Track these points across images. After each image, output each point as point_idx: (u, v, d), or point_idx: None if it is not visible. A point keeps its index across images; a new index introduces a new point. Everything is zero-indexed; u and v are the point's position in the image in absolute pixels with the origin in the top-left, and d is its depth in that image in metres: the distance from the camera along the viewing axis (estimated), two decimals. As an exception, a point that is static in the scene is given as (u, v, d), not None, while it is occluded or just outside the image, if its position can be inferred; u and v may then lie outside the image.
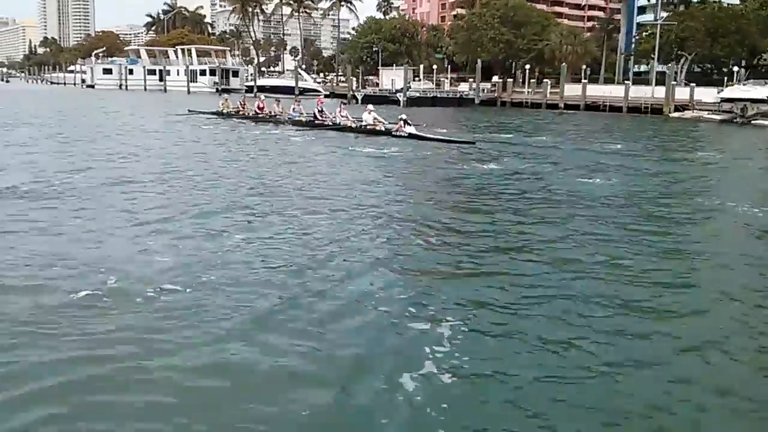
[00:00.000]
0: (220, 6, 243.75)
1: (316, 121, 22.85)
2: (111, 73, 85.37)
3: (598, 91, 48.71)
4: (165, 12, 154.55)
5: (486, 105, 52.94)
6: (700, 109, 41.97)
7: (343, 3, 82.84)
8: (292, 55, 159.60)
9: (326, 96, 67.77)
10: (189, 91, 71.63)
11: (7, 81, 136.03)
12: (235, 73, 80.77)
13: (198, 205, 9.82)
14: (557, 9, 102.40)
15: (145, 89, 79.53)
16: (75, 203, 9.82)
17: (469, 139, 20.68)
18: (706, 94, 44.28)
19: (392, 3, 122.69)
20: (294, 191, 11.24)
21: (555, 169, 15.40)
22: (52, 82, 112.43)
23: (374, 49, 69.74)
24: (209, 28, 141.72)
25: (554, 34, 59.02)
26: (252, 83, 66.01)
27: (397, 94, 50.41)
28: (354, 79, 68.73)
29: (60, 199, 10.16)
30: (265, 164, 15.13)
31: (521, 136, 25.12)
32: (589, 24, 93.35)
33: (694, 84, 45.19)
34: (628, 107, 44.30)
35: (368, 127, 21.50)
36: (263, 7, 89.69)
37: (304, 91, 65.58)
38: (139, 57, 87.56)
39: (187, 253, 7.09)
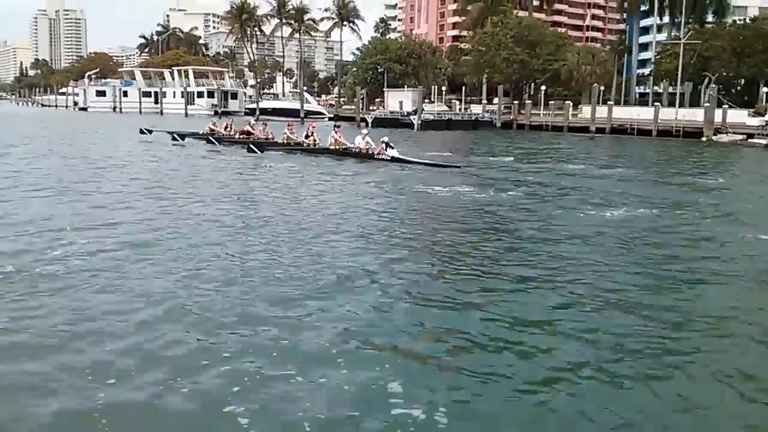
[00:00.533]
0: (214, 27, 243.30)
1: (304, 144, 22.32)
2: (104, 95, 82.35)
3: (623, 113, 46.01)
4: (159, 33, 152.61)
5: (503, 128, 50.34)
6: (734, 132, 39.42)
7: (345, 23, 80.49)
8: (287, 77, 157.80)
9: (330, 119, 65.13)
10: (186, 114, 68.66)
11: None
12: (234, 95, 77.95)
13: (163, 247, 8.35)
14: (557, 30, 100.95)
15: (141, 112, 76.54)
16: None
17: (454, 164, 19.27)
18: (735, 116, 41.86)
19: (390, 24, 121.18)
20: (251, 222, 10.27)
21: (638, 214, 11.90)
22: (43, 105, 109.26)
23: (379, 70, 67.17)
24: (203, 50, 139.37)
25: (571, 53, 56.54)
26: (253, 105, 63.10)
27: (411, 117, 47.61)
28: (361, 101, 66.20)
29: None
30: (230, 191, 14.13)
31: (556, 162, 22.69)
32: (590, 45, 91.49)
33: (726, 105, 42.70)
34: (658, 130, 41.64)
35: (355, 150, 20.58)
36: (262, 27, 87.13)
37: (308, 114, 62.79)
38: (134, 78, 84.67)
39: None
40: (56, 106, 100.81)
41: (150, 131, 29.11)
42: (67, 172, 16.72)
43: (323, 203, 12.26)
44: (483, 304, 6.16)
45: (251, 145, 21.25)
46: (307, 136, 22.42)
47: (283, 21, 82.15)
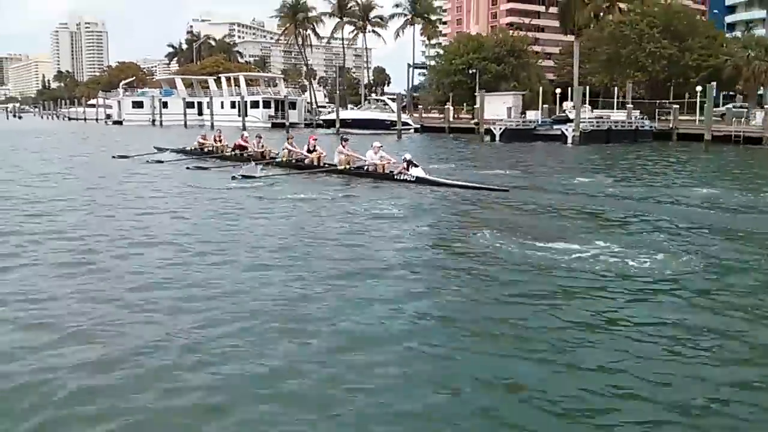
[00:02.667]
0: (239, 37, 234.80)
1: (306, 160, 18.97)
2: (142, 106, 72.17)
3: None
4: (189, 41, 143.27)
5: (658, 139, 38.99)
6: None
7: (417, 20, 69.70)
8: (320, 85, 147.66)
9: (416, 131, 54.38)
10: (245, 126, 58.05)
11: (20, 117, 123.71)
12: (293, 105, 67.23)
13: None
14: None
15: (186, 125, 66.25)
16: None
17: (500, 186, 15.08)
18: None
19: (438, 28, 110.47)
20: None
21: None
22: (69, 118, 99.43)
23: (470, 71, 56.14)
24: (239, 57, 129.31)
25: (737, 47, 45.01)
26: (330, 116, 52.12)
27: (564, 127, 36.26)
28: (451, 109, 55.06)
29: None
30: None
31: None
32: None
33: None
34: None
35: (368, 169, 17.10)
36: (316, 29, 76.48)
37: (391, 125, 51.88)
38: (174, 87, 74.53)
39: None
40: (85, 119, 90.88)
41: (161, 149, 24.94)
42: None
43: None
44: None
45: (242, 174, 16.25)
46: (309, 151, 19.11)
47: (344, 20, 71.49)
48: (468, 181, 15.67)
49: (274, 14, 76.74)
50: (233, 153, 21.84)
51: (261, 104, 64.47)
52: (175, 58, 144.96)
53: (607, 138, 36.24)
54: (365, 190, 15.33)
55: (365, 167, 17.11)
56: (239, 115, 66.71)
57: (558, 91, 49.74)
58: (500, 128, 38.72)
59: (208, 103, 71.54)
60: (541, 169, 22.02)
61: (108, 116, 78.53)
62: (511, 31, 63.12)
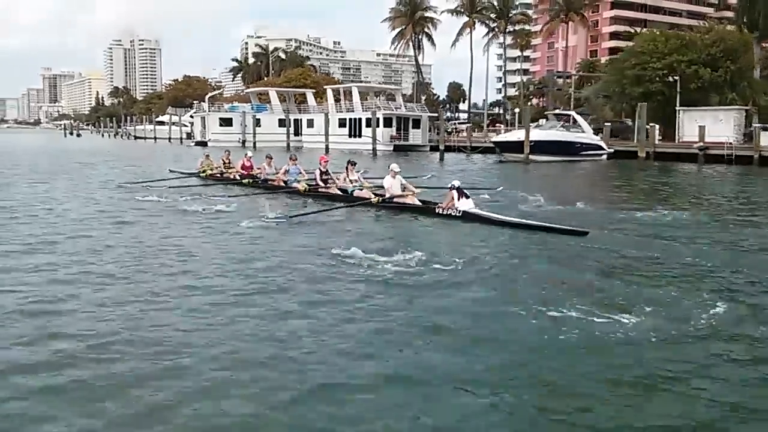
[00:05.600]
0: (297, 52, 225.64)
1: (320, 189, 15.48)
2: (231, 124, 60.42)
3: None
4: (256, 55, 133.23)
5: None
6: None
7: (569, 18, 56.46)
8: (389, 100, 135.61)
9: (609, 156, 41.08)
10: (375, 153, 45.34)
11: (78, 135, 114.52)
12: (416, 123, 54.55)
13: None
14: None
15: (288, 147, 54.20)
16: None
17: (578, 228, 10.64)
18: None
19: (530, 41, 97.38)
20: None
21: None
22: (136, 137, 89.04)
23: (671, 78, 42.43)
24: (314, 70, 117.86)
25: None
26: (503, 137, 38.75)
27: None
28: (657, 128, 41.22)
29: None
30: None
31: None
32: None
33: None
34: None
35: (395, 200, 13.31)
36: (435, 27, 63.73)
37: (582, 149, 38.58)
38: (268, 102, 62.78)
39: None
40: (155, 138, 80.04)
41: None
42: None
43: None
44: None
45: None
46: (324, 179, 15.60)
47: (475, 18, 58.75)
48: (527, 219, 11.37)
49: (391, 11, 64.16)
50: (244, 179, 18.35)
51: (381, 122, 51.76)
52: (240, 73, 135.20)
53: None
54: (393, 223, 11.96)
55: (386, 198, 13.34)
56: (353, 135, 54.39)
57: None
58: None
59: (309, 120, 59.55)
60: None
61: (189, 135, 67.21)
62: (724, 25, 49.06)
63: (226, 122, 60.43)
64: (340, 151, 45.09)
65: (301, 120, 59.82)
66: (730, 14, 62.68)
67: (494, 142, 38.77)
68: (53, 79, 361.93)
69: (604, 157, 39.66)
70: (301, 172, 16.71)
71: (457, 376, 4.87)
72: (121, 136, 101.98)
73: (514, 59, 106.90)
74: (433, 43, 65.75)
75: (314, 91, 65.12)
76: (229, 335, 5.68)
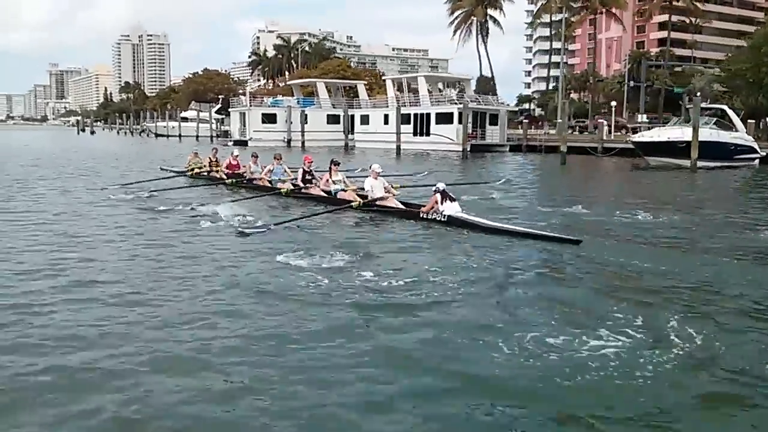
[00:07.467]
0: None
1: (303, 190, 15.11)
2: (275, 121, 53.15)
3: None
4: (278, 47, 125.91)
5: None
6: None
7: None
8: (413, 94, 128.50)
9: (761, 161, 33.92)
10: (466, 154, 38.09)
11: (93, 132, 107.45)
12: (494, 119, 47.33)
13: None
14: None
15: (347, 148, 47.02)
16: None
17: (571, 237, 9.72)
18: None
19: (573, 32, 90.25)
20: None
21: None
22: (157, 135, 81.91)
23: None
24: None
25: None
26: (648, 138, 31.31)
27: None
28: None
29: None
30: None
31: None
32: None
33: None
34: None
35: (378, 203, 12.69)
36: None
37: (737, 151, 31.40)
38: (317, 96, 55.51)
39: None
40: (180, 135, 72.98)
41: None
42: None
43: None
44: None
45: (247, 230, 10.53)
46: (307, 179, 15.23)
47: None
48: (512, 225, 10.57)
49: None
50: (230, 179, 17.68)
51: (456, 118, 44.56)
52: (259, 66, 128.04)
53: None
54: (375, 226, 11.44)
55: (369, 201, 12.82)
56: (419, 134, 47.24)
57: None
58: None
59: (363, 116, 52.40)
60: None
61: (225, 133, 60.12)
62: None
63: (270, 119, 53.16)
64: (418, 153, 37.94)
65: (353, 116, 52.65)
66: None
67: (635, 143, 31.44)
68: (60, 75, 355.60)
69: (756, 162, 32.44)
70: (285, 171, 16.52)
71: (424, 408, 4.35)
72: (139, 133, 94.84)
73: (545, 51, 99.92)
74: (500, 27, 58.38)
75: (365, 83, 57.90)
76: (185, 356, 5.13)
